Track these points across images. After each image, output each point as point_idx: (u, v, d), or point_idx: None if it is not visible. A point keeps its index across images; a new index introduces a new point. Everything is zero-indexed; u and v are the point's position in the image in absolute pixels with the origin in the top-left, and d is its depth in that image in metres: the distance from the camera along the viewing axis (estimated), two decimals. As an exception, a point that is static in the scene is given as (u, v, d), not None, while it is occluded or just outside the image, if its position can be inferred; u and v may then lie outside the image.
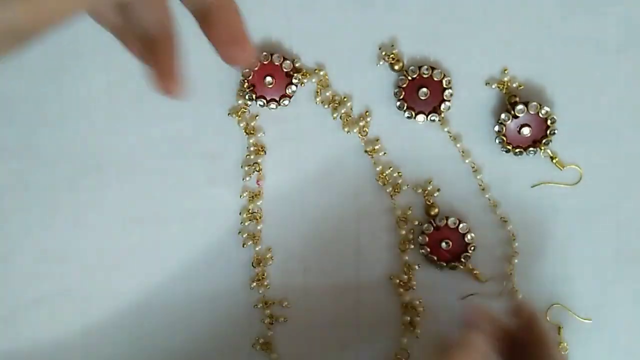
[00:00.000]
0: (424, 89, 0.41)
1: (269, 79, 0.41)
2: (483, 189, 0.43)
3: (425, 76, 0.41)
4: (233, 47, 0.22)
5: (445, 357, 0.32)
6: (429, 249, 0.42)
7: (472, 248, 0.42)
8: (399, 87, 0.41)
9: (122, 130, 0.43)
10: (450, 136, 0.42)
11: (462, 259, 0.42)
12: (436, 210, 0.42)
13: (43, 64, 0.42)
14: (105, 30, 0.25)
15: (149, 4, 0.23)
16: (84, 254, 0.43)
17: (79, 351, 0.44)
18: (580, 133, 0.42)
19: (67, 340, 0.44)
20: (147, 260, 0.43)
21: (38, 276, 0.43)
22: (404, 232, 0.43)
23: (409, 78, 0.41)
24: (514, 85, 0.42)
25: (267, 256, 0.43)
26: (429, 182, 0.43)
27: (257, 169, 0.43)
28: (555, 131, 0.41)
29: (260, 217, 0.43)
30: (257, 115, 0.43)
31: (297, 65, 0.42)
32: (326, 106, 0.43)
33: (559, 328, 0.43)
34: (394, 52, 0.42)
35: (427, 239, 0.42)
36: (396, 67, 0.42)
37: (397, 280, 0.43)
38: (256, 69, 0.41)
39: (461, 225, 0.42)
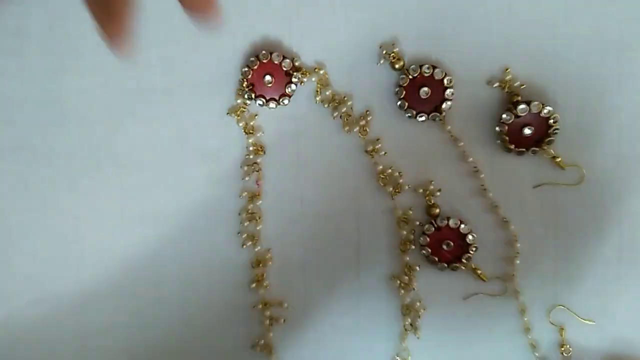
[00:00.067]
0: (425, 88, 0.41)
1: (268, 77, 0.41)
2: (485, 189, 0.42)
3: (426, 75, 0.41)
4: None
5: None
6: (430, 250, 0.42)
7: (474, 249, 0.42)
8: (400, 86, 0.41)
9: (122, 130, 0.43)
10: (452, 136, 0.42)
11: (464, 260, 0.42)
12: (437, 210, 0.42)
13: (43, 64, 0.42)
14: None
15: None
16: (84, 254, 0.43)
17: (79, 351, 0.44)
18: (583, 133, 0.42)
19: (67, 341, 0.44)
20: (147, 260, 0.43)
21: (38, 276, 0.43)
22: (404, 232, 0.43)
23: (410, 77, 0.41)
24: (516, 84, 0.41)
25: (267, 257, 0.43)
26: (430, 182, 0.42)
27: (257, 169, 0.42)
28: (558, 131, 0.41)
29: (259, 218, 0.43)
30: (256, 115, 0.42)
31: (296, 64, 0.42)
32: (326, 105, 0.42)
33: (562, 329, 0.43)
34: (394, 50, 0.41)
35: (428, 239, 0.42)
36: (397, 66, 0.41)
37: (398, 281, 0.43)
38: (255, 67, 0.41)
39: (462, 226, 0.42)
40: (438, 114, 0.41)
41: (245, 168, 0.42)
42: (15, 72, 0.42)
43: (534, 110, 0.40)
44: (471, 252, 0.42)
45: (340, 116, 0.42)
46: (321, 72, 0.42)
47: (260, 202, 0.43)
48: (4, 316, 0.44)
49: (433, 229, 0.42)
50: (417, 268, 0.43)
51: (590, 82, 0.41)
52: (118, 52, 0.24)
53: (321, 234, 0.43)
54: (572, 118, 0.41)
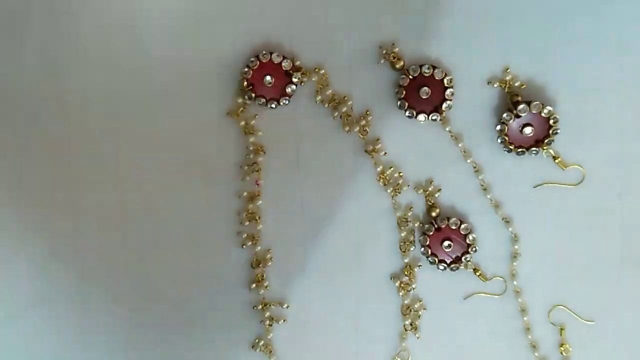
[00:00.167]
0: (425, 88, 0.41)
1: (268, 78, 0.41)
2: (485, 189, 0.42)
3: (426, 75, 0.41)
4: None
5: None
6: (430, 250, 0.42)
7: (474, 249, 0.42)
8: (400, 86, 0.41)
9: (121, 130, 0.42)
10: (452, 136, 0.42)
11: (464, 260, 0.42)
12: (437, 210, 0.42)
13: (43, 64, 0.42)
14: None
15: None
16: (83, 254, 0.43)
17: (79, 351, 0.44)
18: (583, 133, 0.41)
19: (67, 341, 0.43)
20: (146, 261, 0.43)
21: (38, 276, 0.43)
22: (404, 232, 0.42)
23: (410, 77, 0.41)
24: (516, 84, 0.41)
25: (267, 257, 0.43)
26: (430, 182, 0.42)
27: (257, 169, 0.42)
28: (558, 131, 0.41)
29: (259, 218, 0.43)
30: (256, 115, 0.42)
31: (296, 64, 0.42)
32: (326, 105, 0.42)
33: (561, 329, 0.43)
34: (394, 50, 0.41)
35: (428, 239, 0.42)
36: (397, 66, 0.41)
37: (398, 281, 0.43)
38: (255, 67, 0.41)
39: (463, 226, 0.42)
40: (438, 114, 0.41)
41: (245, 168, 0.42)
42: (15, 72, 0.42)
43: (534, 110, 0.40)
44: (471, 252, 0.42)
45: (340, 116, 0.42)
46: (321, 72, 0.42)
47: (260, 202, 0.43)
48: (4, 316, 0.43)
49: (433, 229, 0.42)
50: (417, 268, 0.43)
51: (590, 82, 0.41)
52: None
53: (321, 234, 0.43)
54: (573, 118, 0.41)
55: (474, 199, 0.42)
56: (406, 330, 0.43)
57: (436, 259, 0.42)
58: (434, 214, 0.42)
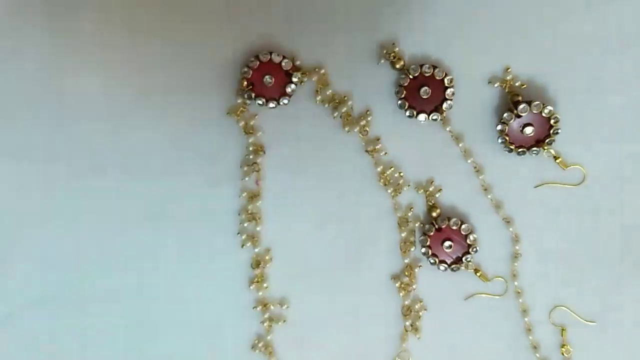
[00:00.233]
0: (426, 88, 0.41)
1: (268, 77, 0.41)
2: (485, 189, 0.42)
3: (426, 75, 0.41)
4: None
5: None
6: (430, 250, 0.42)
7: (475, 249, 0.42)
8: (400, 85, 0.41)
9: (121, 130, 0.42)
10: (452, 135, 0.42)
11: (464, 261, 0.42)
12: (438, 210, 0.42)
13: (43, 64, 0.42)
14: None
15: None
16: (83, 254, 0.43)
17: (79, 351, 0.44)
18: (584, 132, 0.41)
19: (67, 341, 0.43)
20: (145, 261, 0.43)
21: (38, 276, 0.43)
22: (405, 233, 0.42)
23: (410, 76, 0.41)
24: (517, 84, 0.41)
25: (267, 257, 0.43)
26: (431, 183, 0.42)
27: (256, 168, 0.42)
28: (559, 131, 0.41)
29: (259, 218, 0.43)
30: (256, 115, 0.42)
31: (296, 63, 0.42)
32: (326, 105, 0.42)
33: (563, 330, 0.42)
34: (394, 50, 0.41)
35: (428, 240, 0.42)
36: (397, 66, 0.41)
37: (398, 282, 0.42)
38: (255, 67, 0.41)
39: (463, 226, 0.41)
40: (438, 114, 0.41)
41: (245, 168, 0.42)
42: (15, 72, 0.42)
43: (535, 110, 0.40)
44: (472, 252, 0.42)
45: (340, 116, 0.42)
46: (321, 71, 0.42)
47: (260, 202, 0.43)
48: (4, 316, 0.43)
49: (434, 229, 0.42)
50: (418, 269, 0.42)
51: (590, 82, 0.41)
52: None
53: (321, 234, 0.43)
54: (573, 118, 0.41)
55: (474, 199, 0.42)
56: (407, 331, 0.43)
57: (437, 260, 0.42)
58: (434, 214, 0.42)
